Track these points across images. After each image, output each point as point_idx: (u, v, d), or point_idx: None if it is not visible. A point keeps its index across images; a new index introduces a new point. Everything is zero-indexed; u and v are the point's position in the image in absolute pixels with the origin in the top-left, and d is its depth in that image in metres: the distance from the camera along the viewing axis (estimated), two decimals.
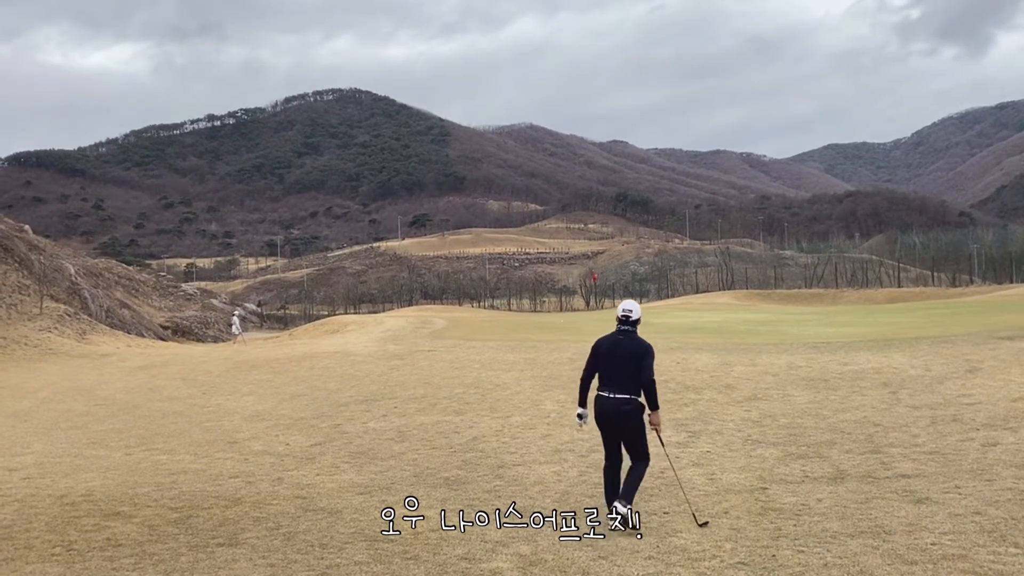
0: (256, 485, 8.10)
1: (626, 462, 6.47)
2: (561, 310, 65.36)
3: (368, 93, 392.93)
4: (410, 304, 76.84)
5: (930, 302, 36.51)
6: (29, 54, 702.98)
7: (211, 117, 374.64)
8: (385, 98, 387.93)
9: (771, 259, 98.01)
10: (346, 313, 70.75)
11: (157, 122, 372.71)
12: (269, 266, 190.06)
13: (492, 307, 71.68)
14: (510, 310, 67.50)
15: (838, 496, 6.85)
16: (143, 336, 45.36)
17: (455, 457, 9.06)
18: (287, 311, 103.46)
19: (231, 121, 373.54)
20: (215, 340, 54.72)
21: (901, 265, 63.88)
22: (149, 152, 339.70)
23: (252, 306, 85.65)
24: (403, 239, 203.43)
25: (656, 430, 6.55)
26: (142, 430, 11.62)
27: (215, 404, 13.92)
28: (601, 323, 32.08)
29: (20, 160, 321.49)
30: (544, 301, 76.97)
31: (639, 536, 5.96)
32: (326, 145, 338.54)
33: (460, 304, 76.05)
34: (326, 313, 76.67)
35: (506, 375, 14.89)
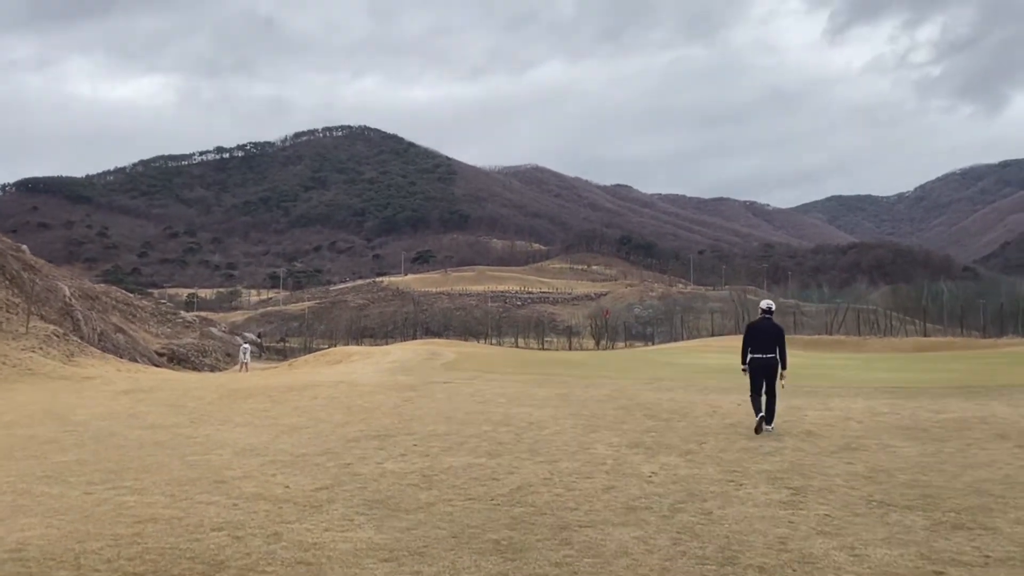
0: (246, 542, 6.14)
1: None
2: (570, 349, 63.36)
3: (376, 131, 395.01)
4: (413, 338, 74.79)
5: (968, 352, 34.54)
6: (58, 83, 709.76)
7: (220, 149, 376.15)
8: (393, 136, 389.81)
9: (779, 307, 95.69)
10: (347, 346, 68.60)
11: (171, 153, 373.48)
12: (271, 298, 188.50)
13: (499, 344, 69.67)
14: (518, 347, 65.45)
15: None
16: (136, 361, 43.39)
17: (501, 512, 7.11)
18: (286, 343, 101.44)
19: (240, 154, 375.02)
20: (212, 369, 52.70)
21: (906, 317, 62.20)
22: (156, 182, 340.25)
23: (252, 336, 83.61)
24: (406, 275, 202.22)
25: (782, 378, 11.10)
26: (112, 463, 9.65)
27: (203, 435, 11.96)
28: (623, 360, 30.16)
29: (28, 186, 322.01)
30: (552, 340, 74.85)
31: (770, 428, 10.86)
32: (333, 180, 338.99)
33: (465, 340, 73.95)
34: (327, 346, 74.56)
35: (539, 412, 12.95)
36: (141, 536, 6.28)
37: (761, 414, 10.78)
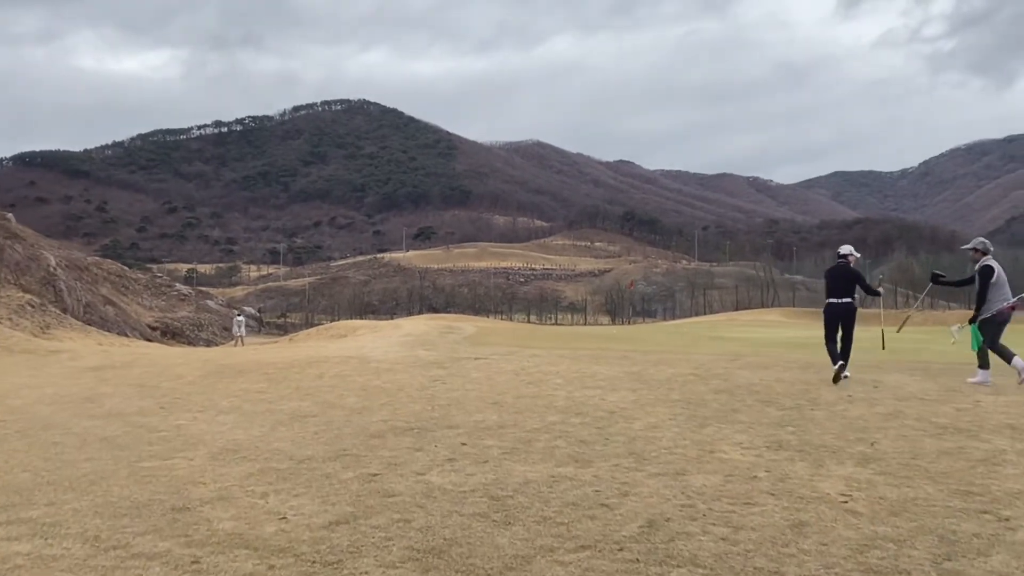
0: None
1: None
2: (585, 323, 60.44)
3: (376, 105, 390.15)
4: (419, 313, 71.88)
5: None
6: (63, 57, 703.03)
7: (218, 123, 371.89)
8: (393, 110, 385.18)
9: (782, 283, 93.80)
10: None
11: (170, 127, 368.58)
12: (271, 274, 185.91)
13: (509, 319, 66.75)
14: (531, 323, 62.49)
15: None
16: (126, 335, 40.55)
17: None
18: (287, 319, 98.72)
19: (238, 128, 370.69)
20: (207, 344, 49.83)
21: (907, 290, 59.24)
22: (155, 156, 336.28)
23: (251, 310, 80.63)
24: (407, 251, 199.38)
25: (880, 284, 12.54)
26: (28, 473, 6.66)
27: (173, 426, 8.96)
28: (658, 333, 27.17)
29: (25, 160, 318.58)
30: (561, 316, 71.97)
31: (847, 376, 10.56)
32: (332, 155, 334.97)
33: (473, 316, 71.08)
34: (329, 321, 71.65)
35: (613, 396, 9.95)
36: None
37: (840, 362, 10.42)
